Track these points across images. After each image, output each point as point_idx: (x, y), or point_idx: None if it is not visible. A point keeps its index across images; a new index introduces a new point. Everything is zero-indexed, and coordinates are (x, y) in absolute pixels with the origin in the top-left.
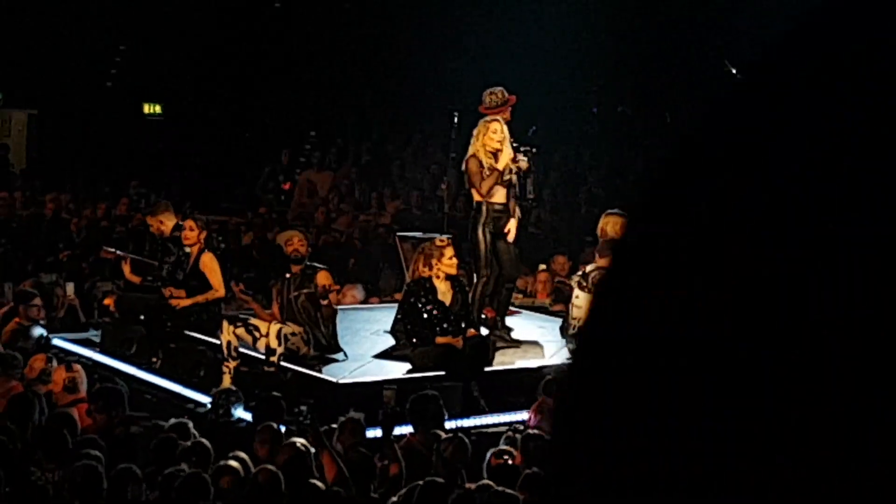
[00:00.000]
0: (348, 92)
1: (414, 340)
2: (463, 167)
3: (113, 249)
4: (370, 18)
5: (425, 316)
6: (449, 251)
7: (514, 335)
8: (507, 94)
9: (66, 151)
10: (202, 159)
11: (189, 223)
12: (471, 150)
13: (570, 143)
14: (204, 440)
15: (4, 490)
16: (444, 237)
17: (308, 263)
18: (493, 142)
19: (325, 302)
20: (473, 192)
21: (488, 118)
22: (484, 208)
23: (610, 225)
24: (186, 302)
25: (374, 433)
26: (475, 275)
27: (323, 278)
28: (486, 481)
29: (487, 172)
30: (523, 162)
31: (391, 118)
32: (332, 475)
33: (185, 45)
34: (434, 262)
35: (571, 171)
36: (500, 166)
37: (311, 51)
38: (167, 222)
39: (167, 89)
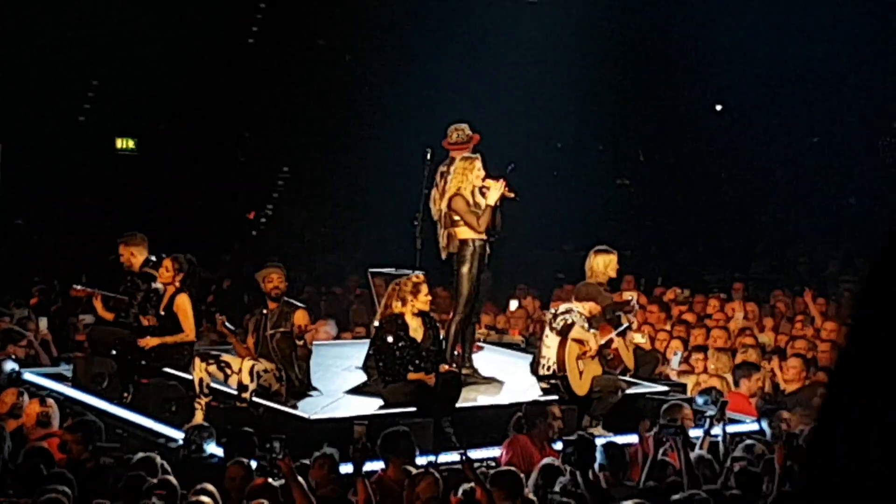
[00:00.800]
0: (322, 127)
1: (386, 377)
2: (445, 205)
3: (81, 287)
4: (343, 54)
5: (397, 352)
6: (424, 287)
7: (484, 371)
8: (470, 132)
9: (36, 185)
10: (176, 194)
11: (166, 263)
12: (453, 188)
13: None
14: (170, 476)
15: None
16: (420, 273)
17: (286, 300)
18: (479, 179)
19: (300, 342)
20: (458, 229)
21: (467, 155)
22: (472, 245)
23: (602, 263)
24: (154, 342)
25: (347, 468)
26: (453, 311)
27: (300, 318)
28: None
29: (478, 210)
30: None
31: (364, 153)
32: None
33: (159, 79)
34: (409, 297)
35: (543, 206)
36: (491, 202)
37: (284, 87)
38: (138, 256)
39: (141, 124)
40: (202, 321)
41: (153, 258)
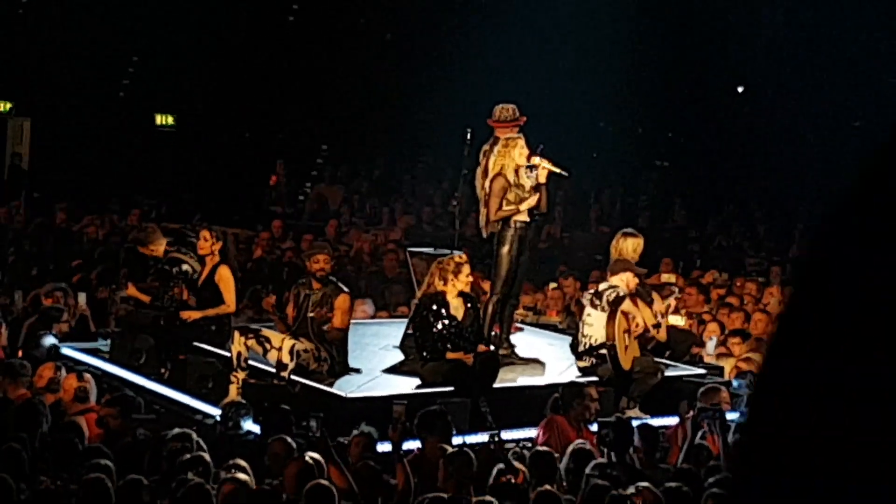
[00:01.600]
0: (361, 106)
1: (424, 354)
2: (487, 185)
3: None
4: (384, 33)
5: (437, 330)
6: (467, 268)
7: (523, 352)
8: (517, 112)
9: (74, 160)
10: (214, 171)
11: (204, 233)
12: (496, 168)
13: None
14: (204, 453)
15: (14, 498)
16: (462, 254)
17: (332, 281)
18: (522, 158)
19: (326, 327)
20: (497, 209)
21: (511, 135)
22: (513, 225)
23: (631, 246)
24: (196, 315)
25: (385, 447)
26: (490, 290)
27: (342, 302)
28: (488, 498)
29: (520, 191)
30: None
31: (403, 133)
32: (340, 488)
33: (198, 56)
34: (450, 277)
35: (580, 189)
36: (542, 180)
37: (324, 65)
38: (157, 246)
39: (180, 100)
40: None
41: (171, 239)
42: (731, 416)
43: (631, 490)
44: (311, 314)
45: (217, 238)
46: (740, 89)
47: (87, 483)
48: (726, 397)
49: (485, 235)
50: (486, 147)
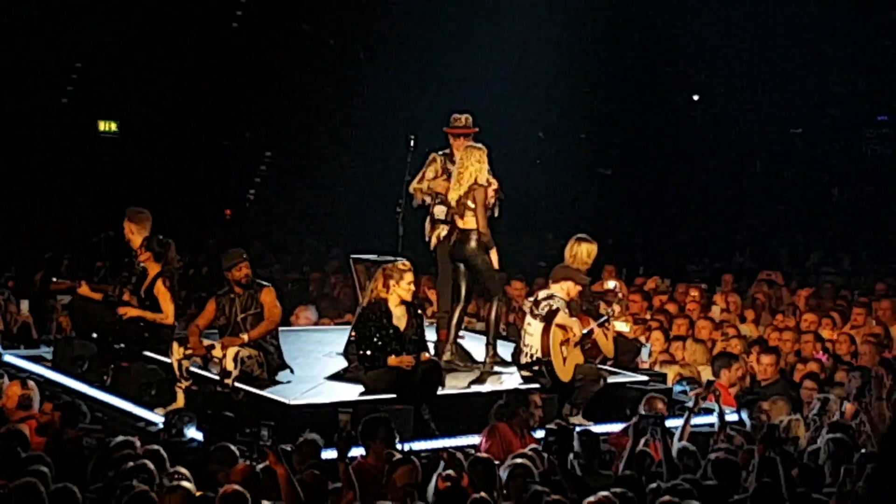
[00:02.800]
0: (306, 112)
1: (365, 363)
2: (463, 195)
3: (60, 280)
4: (327, 38)
5: (378, 339)
6: (409, 276)
7: (464, 358)
8: (471, 122)
9: (17, 166)
10: (158, 178)
11: (139, 248)
12: (471, 178)
13: (524, 167)
14: (147, 461)
15: None
16: (406, 262)
17: (253, 281)
18: (485, 172)
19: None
20: (467, 219)
21: (474, 145)
22: (477, 234)
23: (586, 251)
24: (134, 312)
25: (329, 454)
26: (488, 297)
27: (267, 295)
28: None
29: (491, 200)
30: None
31: (347, 139)
32: (286, 496)
33: (141, 62)
34: (392, 284)
35: (525, 194)
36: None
37: (268, 70)
38: (137, 234)
39: (123, 107)
40: (190, 306)
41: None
42: (673, 423)
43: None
44: (240, 316)
45: (148, 249)
46: (696, 97)
47: (20, 488)
48: (663, 407)
49: (432, 246)
50: (440, 155)
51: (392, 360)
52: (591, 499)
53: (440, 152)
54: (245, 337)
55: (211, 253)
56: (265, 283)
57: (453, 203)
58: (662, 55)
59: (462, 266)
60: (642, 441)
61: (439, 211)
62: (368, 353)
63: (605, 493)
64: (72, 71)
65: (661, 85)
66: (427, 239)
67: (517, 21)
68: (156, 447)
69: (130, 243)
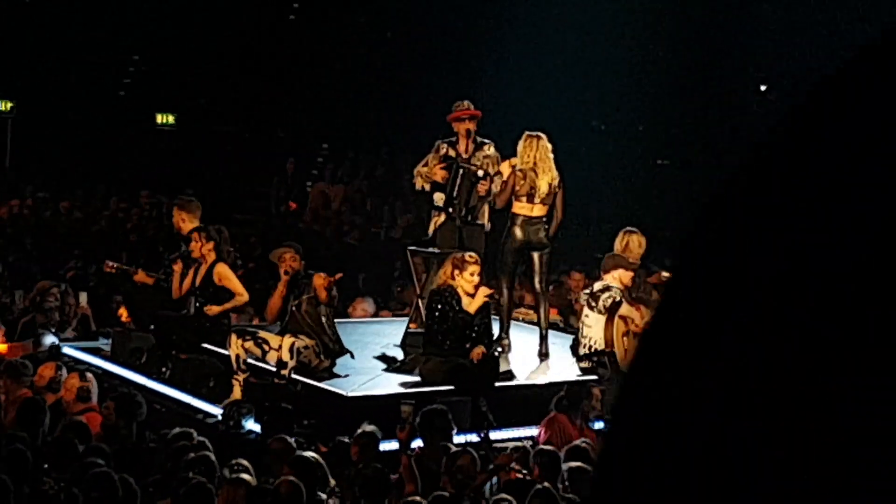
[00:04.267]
0: (361, 104)
1: (427, 348)
2: (514, 179)
3: (113, 264)
4: (385, 30)
5: (445, 325)
6: (472, 267)
7: (524, 350)
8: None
9: (76, 159)
10: (214, 170)
11: (193, 236)
12: (524, 163)
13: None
14: (208, 452)
15: (14, 499)
16: (473, 254)
17: (305, 273)
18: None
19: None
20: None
21: (535, 134)
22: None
23: (637, 242)
24: (217, 309)
25: (386, 446)
26: (504, 286)
27: (319, 279)
28: (503, 495)
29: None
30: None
31: (404, 131)
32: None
33: (198, 54)
34: (457, 273)
35: (582, 186)
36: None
37: (325, 63)
38: (188, 222)
39: (180, 99)
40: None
41: (203, 226)
42: None
43: None
44: (293, 303)
45: (208, 238)
46: (763, 87)
47: (90, 480)
48: None
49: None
50: (442, 143)
51: (476, 350)
52: None
53: (446, 140)
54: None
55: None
56: (312, 271)
57: (545, 191)
58: (726, 42)
59: (532, 254)
60: None
61: (438, 198)
62: (431, 338)
63: None
64: (129, 64)
65: (724, 74)
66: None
67: (576, 10)
68: (216, 440)
69: (180, 231)
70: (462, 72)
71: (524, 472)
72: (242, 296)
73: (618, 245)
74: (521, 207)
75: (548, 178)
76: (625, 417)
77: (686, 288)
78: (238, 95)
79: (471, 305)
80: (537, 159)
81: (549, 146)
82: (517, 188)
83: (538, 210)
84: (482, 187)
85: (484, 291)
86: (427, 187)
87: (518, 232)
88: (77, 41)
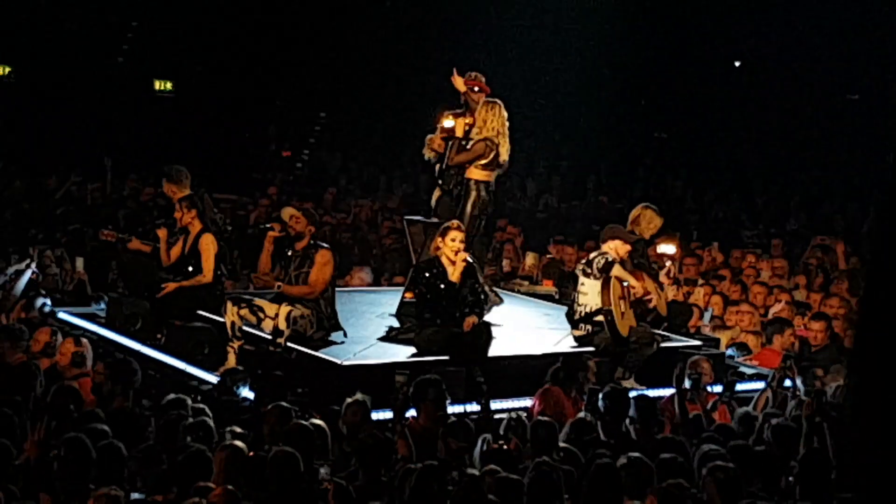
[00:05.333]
0: (359, 72)
1: (420, 319)
2: (480, 147)
3: (109, 230)
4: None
5: (431, 295)
6: (453, 233)
7: (519, 322)
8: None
9: (73, 126)
10: (212, 137)
11: (176, 205)
12: (490, 132)
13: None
14: (206, 418)
15: (9, 462)
16: (457, 221)
17: (313, 242)
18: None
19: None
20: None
21: (492, 99)
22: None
23: (646, 218)
24: (173, 286)
25: (378, 415)
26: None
27: (323, 256)
28: (492, 466)
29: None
30: None
31: (402, 100)
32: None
33: (196, 21)
34: (440, 241)
35: (579, 160)
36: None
37: (323, 31)
38: (178, 192)
39: (178, 66)
40: (238, 265)
41: (187, 194)
42: (715, 388)
43: (622, 460)
44: (293, 273)
45: (189, 206)
46: (737, 63)
47: (68, 442)
48: (708, 368)
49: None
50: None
51: (469, 319)
52: (623, 459)
53: (449, 111)
54: (278, 288)
55: (261, 214)
56: (324, 244)
57: (505, 159)
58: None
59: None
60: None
61: (437, 170)
62: (420, 310)
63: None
64: (128, 30)
65: (712, 49)
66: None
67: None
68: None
69: (172, 201)
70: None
71: (501, 442)
72: (205, 276)
73: (630, 217)
74: (481, 174)
75: (506, 146)
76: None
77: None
78: (235, 62)
79: (454, 274)
80: (499, 126)
81: (506, 114)
82: (484, 155)
83: (492, 177)
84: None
85: (461, 257)
86: (433, 158)
87: (483, 197)
88: (75, 7)
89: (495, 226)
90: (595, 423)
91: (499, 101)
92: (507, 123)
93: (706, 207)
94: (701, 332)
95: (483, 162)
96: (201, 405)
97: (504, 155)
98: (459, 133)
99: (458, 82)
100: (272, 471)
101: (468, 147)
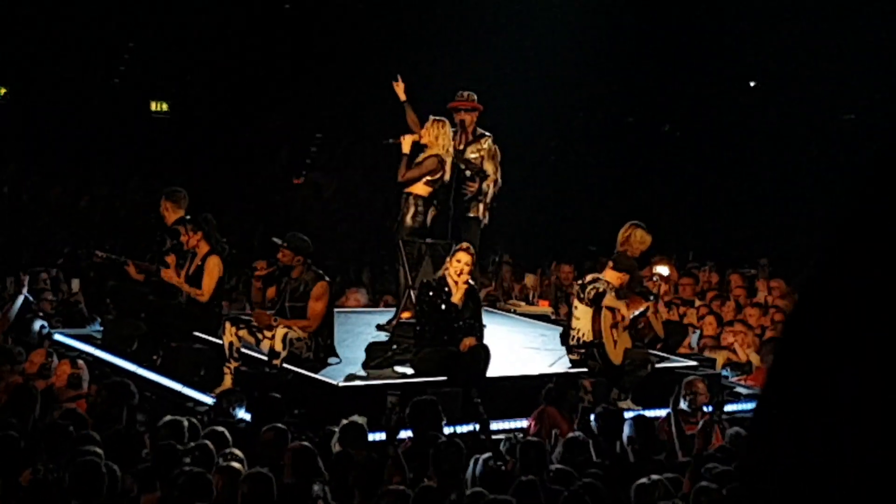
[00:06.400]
0: (354, 93)
1: (420, 338)
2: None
3: (104, 253)
4: (379, 21)
5: (432, 316)
6: (459, 255)
7: (514, 342)
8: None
9: (69, 147)
10: (209, 158)
11: (180, 227)
12: (441, 149)
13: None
14: (206, 441)
15: (6, 484)
16: (466, 244)
17: (314, 270)
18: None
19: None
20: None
21: (439, 117)
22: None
23: (640, 236)
24: (175, 279)
25: (375, 437)
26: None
27: (319, 289)
28: (478, 488)
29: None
30: None
31: (397, 121)
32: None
33: (193, 42)
34: (447, 261)
35: (575, 178)
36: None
37: (319, 50)
38: (172, 213)
39: (175, 87)
40: (237, 287)
41: (188, 217)
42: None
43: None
44: (288, 304)
45: (195, 228)
46: (752, 83)
47: (78, 467)
48: (703, 389)
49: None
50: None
51: (466, 340)
52: (643, 480)
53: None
54: (274, 322)
55: (260, 235)
56: (320, 273)
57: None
58: (714, 39)
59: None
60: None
61: (405, 144)
62: (421, 329)
63: (657, 476)
64: (124, 51)
65: (712, 71)
66: None
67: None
68: (220, 428)
69: (165, 221)
70: (454, 60)
71: (499, 463)
72: (203, 295)
73: (620, 237)
74: (423, 189)
75: (450, 163)
76: (765, 420)
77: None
78: (232, 83)
79: (456, 295)
80: (448, 144)
81: (451, 132)
82: (433, 171)
83: (429, 193)
84: (469, 188)
85: (463, 279)
86: (406, 148)
87: (421, 213)
88: (71, 27)
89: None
90: (587, 443)
91: (447, 120)
92: (452, 142)
93: (702, 228)
94: (696, 353)
95: (430, 178)
96: (199, 425)
97: (448, 173)
98: (406, 149)
99: (400, 90)
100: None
101: (419, 163)
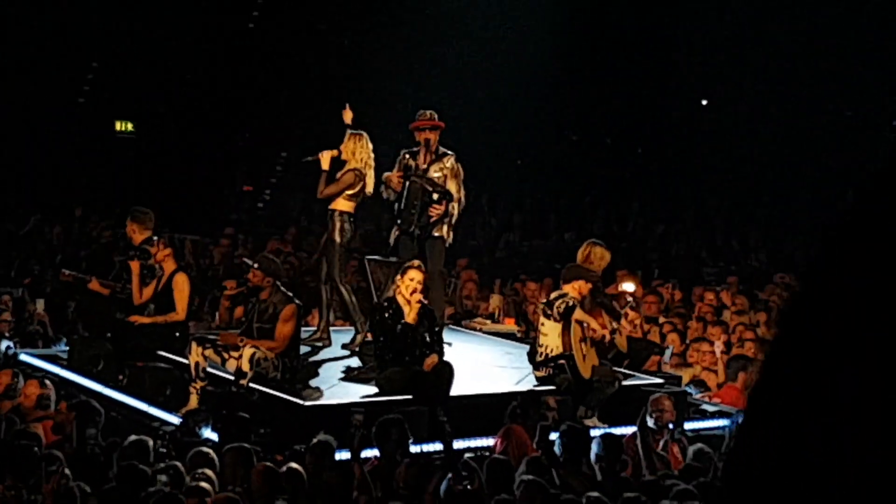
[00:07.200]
0: (320, 112)
1: (380, 360)
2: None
3: (70, 272)
4: (343, 39)
5: (386, 337)
6: (410, 273)
7: (481, 360)
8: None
9: (34, 167)
10: (173, 178)
11: (155, 241)
12: (359, 162)
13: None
14: (177, 462)
15: None
16: (418, 261)
17: (283, 292)
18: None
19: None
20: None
21: (357, 131)
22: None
23: (600, 253)
24: (145, 320)
25: (342, 455)
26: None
27: (287, 312)
28: None
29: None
30: None
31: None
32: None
33: (157, 62)
34: (399, 279)
35: (541, 197)
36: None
37: (283, 70)
38: (139, 233)
39: (139, 107)
40: (203, 305)
41: (155, 238)
42: (691, 425)
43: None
44: (256, 324)
45: (166, 244)
46: (704, 102)
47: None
48: (670, 406)
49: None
50: (405, 152)
51: (429, 360)
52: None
53: (409, 150)
54: (241, 342)
55: (222, 253)
56: (290, 295)
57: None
58: (674, 56)
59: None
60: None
61: (396, 209)
62: (381, 352)
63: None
64: (88, 71)
65: (672, 88)
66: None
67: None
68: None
69: (132, 241)
70: (427, 82)
71: (466, 483)
72: (179, 315)
73: (580, 255)
74: (346, 205)
75: (372, 177)
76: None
77: (816, 309)
78: (197, 103)
79: (409, 315)
80: (366, 157)
81: (371, 146)
82: (353, 185)
83: (353, 207)
84: (434, 211)
85: (416, 298)
86: (391, 197)
87: (348, 229)
88: (35, 47)
89: (455, 265)
90: (547, 462)
91: (364, 133)
92: (372, 154)
93: (667, 245)
94: (662, 371)
95: (350, 192)
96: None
97: (370, 186)
98: (325, 166)
99: (347, 116)
100: None
101: (337, 178)
